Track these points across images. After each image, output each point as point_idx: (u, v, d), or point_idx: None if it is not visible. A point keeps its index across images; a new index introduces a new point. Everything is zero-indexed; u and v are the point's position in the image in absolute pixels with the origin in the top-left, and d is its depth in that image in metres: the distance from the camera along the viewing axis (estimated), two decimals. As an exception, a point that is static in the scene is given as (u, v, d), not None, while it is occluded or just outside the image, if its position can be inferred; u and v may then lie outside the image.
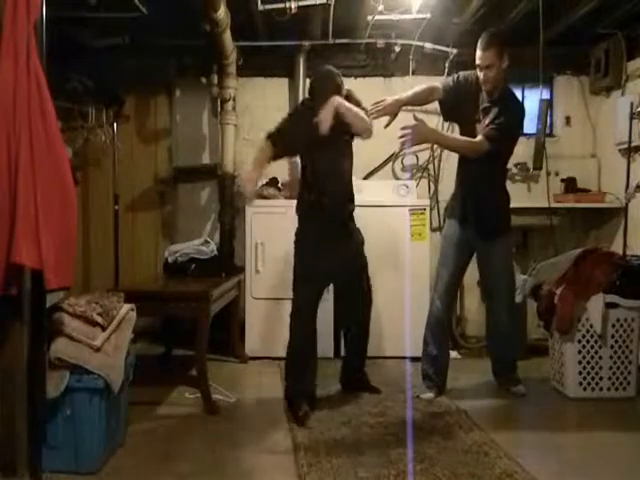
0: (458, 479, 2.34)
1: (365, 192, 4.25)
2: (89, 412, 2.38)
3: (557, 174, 4.69)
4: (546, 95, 4.74)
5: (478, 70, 3.21)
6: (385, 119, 3.26)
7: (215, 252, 4.20)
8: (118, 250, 4.44)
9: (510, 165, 4.08)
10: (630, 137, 3.98)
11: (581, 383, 3.35)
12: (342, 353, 3.64)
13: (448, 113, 3.52)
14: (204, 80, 4.71)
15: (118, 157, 4.49)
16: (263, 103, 4.76)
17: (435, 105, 3.57)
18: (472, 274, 3.63)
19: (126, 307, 2.72)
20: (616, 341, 3.34)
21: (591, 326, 3.32)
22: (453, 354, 4.01)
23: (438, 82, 3.48)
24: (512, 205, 3.46)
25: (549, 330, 3.57)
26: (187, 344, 3.59)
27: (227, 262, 4.37)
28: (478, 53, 3.17)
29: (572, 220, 4.69)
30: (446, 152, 4.43)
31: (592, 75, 4.62)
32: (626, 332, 3.35)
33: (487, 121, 3.19)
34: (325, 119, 3.01)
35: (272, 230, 4.09)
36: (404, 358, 4.03)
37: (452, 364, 3.54)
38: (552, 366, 3.59)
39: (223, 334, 4.06)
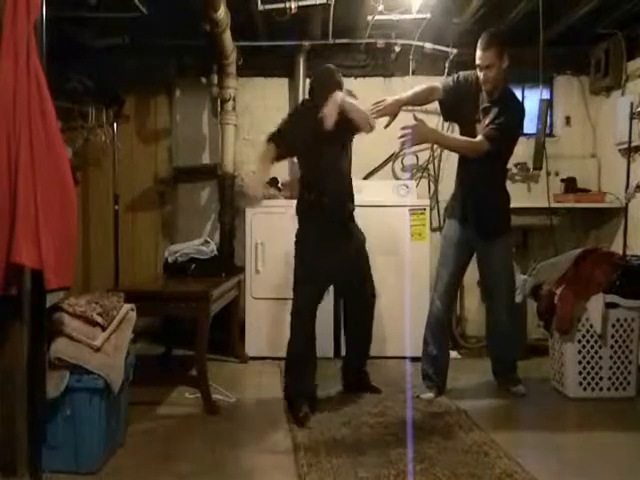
0: (458, 479, 2.34)
1: (365, 192, 4.25)
2: (89, 412, 2.38)
3: (557, 174, 4.69)
4: (546, 95, 4.74)
5: (478, 70, 3.21)
6: (385, 119, 3.26)
7: (215, 252, 4.20)
8: (118, 250, 4.44)
9: (510, 165, 4.08)
10: (630, 137, 3.98)
11: (581, 383, 3.35)
12: (343, 353, 3.64)
13: (448, 113, 3.52)
14: (204, 80, 4.71)
15: (118, 157, 4.50)
16: (263, 103, 4.76)
17: (435, 105, 3.57)
18: (472, 274, 3.63)
19: (126, 307, 2.72)
20: (616, 341, 3.34)
21: (591, 326, 3.32)
22: (453, 354, 4.02)
23: (438, 82, 3.48)
24: (512, 205, 3.45)
25: (549, 330, 3.57)
26: (187, 344, 3.59)
27: (227, 262, 4.37)
28: (478, 53, 3.18)
29: (572, 220, 4.69)
30: (446, 152, 4.43)
31: (592, 75, 4.62)
32: (626, 332, 3.35)
33: (487, 121, 3.19)
34: (330, 114, 3.01)
35: (272, 230, 4.09)
36: (404, 358, 4.03)
37: (452, 364, 3.54)
38: (552, 366, 3.59)
39: (223, 334, 4.06)
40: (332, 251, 3.12)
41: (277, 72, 4.75)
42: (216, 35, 3.93)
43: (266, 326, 4.15)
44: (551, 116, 4.85)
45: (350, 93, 3.23)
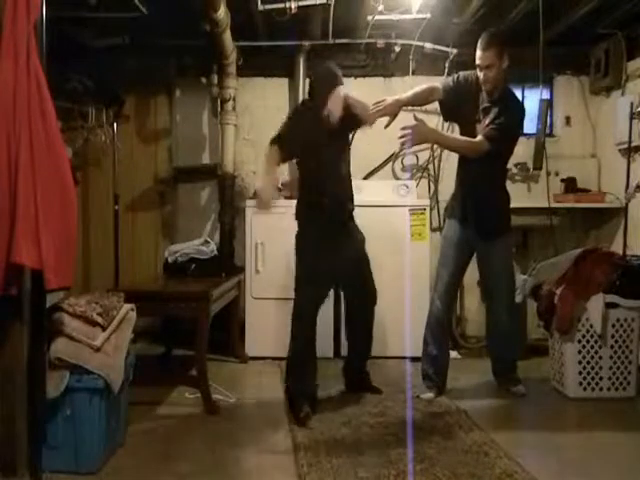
0: (458, 479, 2.34)
1: (365, 192, 4.25)
2: (89, 412, 2.38)
3: (557, 174, 4.69)
4: (546, 95, 4.74)
5: (478, 70, 3.21)
6: (385, 119, 3.26)
7: (215, 252, 4.20)
8: (118, 250, 4.43)
9: (510, 165, 4.09)
10: (630, 137, 3.98)
11: (581, 383, 3.35)
12: (343, 353, 3.64)
13: (448, 113, 3.52)
14: (204, 80, 4.71)
15: (118, 157, 4.50)
16: (263, 103, 4.76)
17: (435, 105, 3.58)
18: (472, 274, 3.63)
19: (126, 307, 2.72)
20: (616, 341, 3.34)
21: (591, 326, 3.32)
22: (453, 354, 4.02)
23: (438, 82, 3.48)
24: (512, 205, 3.46)
25: (549, 330, 3.57)
26: (187, 344, 3.59)
27: (227, 262, 4.37)
28: (478, 53, 3.18)
29: (572, 220, 4.69)
30: (446, 152, 4.43)
31: (592, 75, 4.62)
32: (626, 332, 3.35)
33: (487, 121, 3.20)
34: (335, 109, 3.01)
35: (272, 230, 4.09)
36: (404, 358, 4.03)
37: (452, 364, 3.54)
38: (552, 366, 3.59)
39: (223, 334, 4.06)
40: (332, 251, 3.12)
41: (277, 72, 4.75)
42: (216, 35, 3.93)
43: (266, 326, 4.14)
44: (551, 116, 4.85)
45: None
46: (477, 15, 3.94)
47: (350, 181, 3.30)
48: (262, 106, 4.76)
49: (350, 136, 3.27)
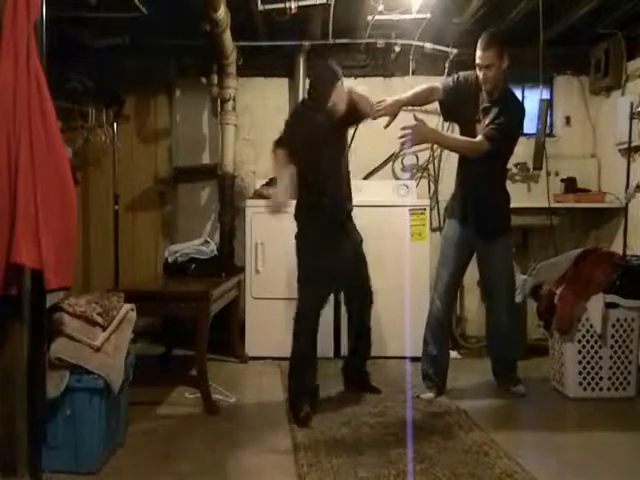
0: (458, 479, 2.34)
1: (365, 192, 4.26)
2: (89, 412, 2.38)
3: (557, 174, 4.68)
4: (546, 95, 4.74)
5: (478, 70, 3.21)
6: (385, 119, 3.26)
7: (215, 252, 4.20)
8: (118, 250, 4.44)
9: (510, 165, 4.08)
10: (630, 137, 3.98)
11: (581, 383, 3.35)
12: (343, 353, 3.64)
13: (448, 113, 3.52)
14: (204, 80, 4.71)
15: (118, 157, 4.50)
16: (263, 103, 4.76)
17: (435, 105, 3.57)
18: (472, 274, 3.63)
19: (126, 307, 2.72)
20: (616, 341, 3.34)
21: (591, 326, 3.32)
22: (453, 354, 4.01)
23: (438, 82, 3.48)
24: (512, 205, 3.46)
25: (549, 330, 3.57)
26: (187, 344, 3.59)
27: (227, 262, 4.37)
28: (478, 53, 3.17)
29: (572, 220, 4.69)
30: (446, 152, 4.43)
31: (592, 75, 4.62)
32: (626, 332, 3.35)
33: (487, 121, 3.20)
34: (340, 101, 3.02)
35: (272, 230, 4.09)
36: (404, 358, 4.03)
37: (452, 364, 3.54)
38: (552, 366, 3.59)
39: (223, 334, 4.06)
40: (332, 252, 3.12)
41: (277, 72, 4.75)
42: (216, 35, 3.93)
43: (266, 326, 4.14)
44: (551, 116, 4.85)
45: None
46: (477, 15, 3.94)
47: (349, 181, 3.30)
48: (262, 106, 4.76)
49: (350, 135, 3.26)
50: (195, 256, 4.08)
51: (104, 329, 2.53)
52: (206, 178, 4.77)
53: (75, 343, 2.42)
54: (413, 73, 4.64)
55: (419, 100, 3.40)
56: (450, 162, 4.27)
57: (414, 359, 3.88)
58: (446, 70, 4.53)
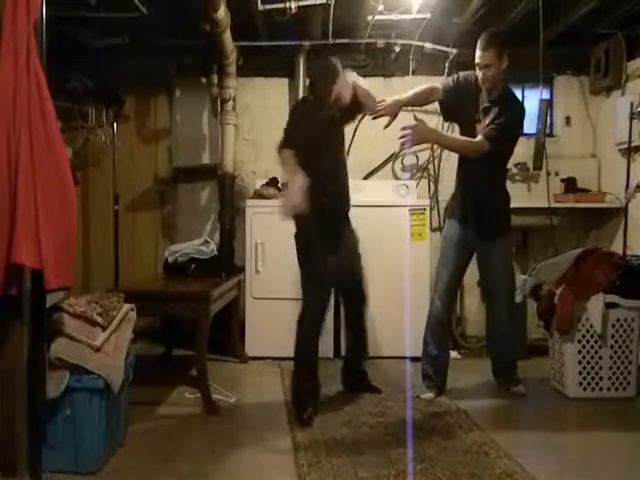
0: (458, 479, 2.34)
1: (365, 192, 4.26)
2: (89, 412, 2.38)
3: (557, 174, 4.68)
4: (546, 95, 4.74)
5: (477, 69, 3.21)
6: (385, 119, 3.26)
7: (215, 252, 4.20)
8: (118, 250, 4.43)
9: (510, 165, 4.08)
10: (630, 137, 3.98)
11: (581, 383, 3.35)
12: (343, 353, 3.64)
13: (448, 113, 3.52)
14: (204, 80, 4.71)
15: (118, 157, 4.50)
16: (263, 103, 4.76)
17: (435, 105, 3.57)
18: (472, 274, 3.63)
19: (126, 307, 2.72)
20: (616, 341, 3.34)
21: (591, 326, 3.32)
22: (453, 354, 4.01)
23: (438, 82, 3.48)
24: (512, 205, 3.45)
25: (549, 330, 3.57)
26: (187, 344, 3.59)
27: (227, 262, 4.37)
28: (477, 52, 3.18)
29: (572, 220, 4.69)
30: (446, 152, 4.43)
31: (592, 75, 4.62)
32: (626, 332, 3.35)
33: (487, 121, 3.20)
34: (345, 90, 3.02)
35: (272, 230, 4.08)
36: (404, 358, 4.03)
37: (452, 364, 3.54)
38: (552, 366, 3.59)
39: (223, 334, 4.06)
40: (334, 252, 3.12)
41: (277, 72, 4.75)
42: (216, 35, 3.93)
43: (266, 326, 4.14)
44: (551, 116, 4.85)
45: None
46: (477, 15, 3.94)
47: (348, 180, 3.29)
48: (262, 106, 4.76)
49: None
50: (195, 256, 4.08)
51: (104, 329, 2.53)
52: (206, 178, 4.77)
53: (75, 343, 2.42)
54: (413, 73, 4.64)
55: (419, 100, 3.41)
56: (450, 162, 4.27)
57: (414, 359, 3.88)
58: (446, 70, 4.53)
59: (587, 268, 3.39)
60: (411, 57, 4.59)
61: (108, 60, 4.39)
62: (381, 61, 4.72)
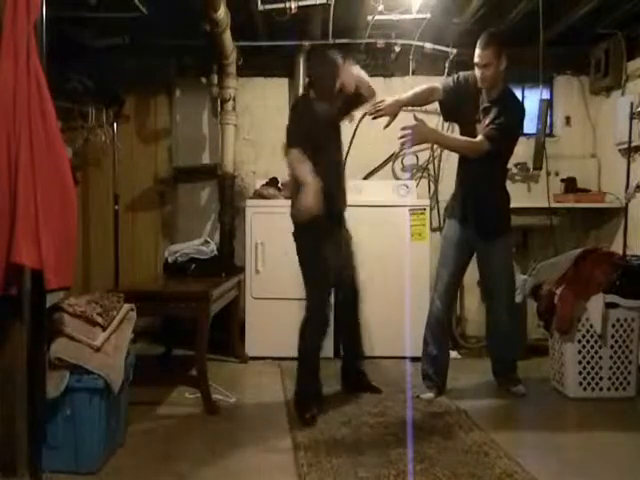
0: (458, 479, 2.34)
1: (365, 192, 4.26)
2: (89, 412, 2.38)
3: (557, 174, 4.68)
4: (546, 95, 4.74)
5: (476, 68, 3.21)
6: (385, 119, 3.26)
7: (215, 252, 4.20)
8: (118, 250, 4.43)
9: (510, 165, 4.08)
10: (630, 137, 3.98)
11: (581, 383, 3.35)
12: (342, 353, 3.64)
13: (448, 113, 3.52)
14: (204, 80, 4.71)
15: (118, 157, 4.49)
16: (263, 103, 4.76)
17: (435, 105, 3.57)
18: (472, 274, 3.63)
19: (126, 307, 2.72)
20: (616, 341, 3.34)
21: (591, 326, 3.32)
22: (453, 354, 4.01)
23: (438, 82, 3.48)
24: (512, 205, 3.45)
25: (549, 330, 3.57)
26: (187, 344, 3.59)
27: (227, 262, 4.37)
28: (476, 51, 3.18)
29: (572, 220, 4.69)
30: (446, 152, 4.43)
31: (592, 75, 4.62)
32: (626, 332, 3.35)
33: (487, 121, 3.20)
34: (349, 78, 3.01)
35: (272, 230, 4.09)
36: (404, 358, 4.03)
37: (452, 364, 3.54)
38: (552, 366, 3.59)
39: (223, 334, 4.06)
40: (333, 250, 3.12)
41: (277, 72, 4.75)
42: (216, 35, 3.93)
43: (266, 326, 4.14)
44: (551, 116, 4.85)
45: None
46: (477, 15, 3.94)
47: (344, 180, 3.29)
48: (262, 106, 4.76)
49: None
50: (195, 256, 4.08)
51: (104, 329, 2.53)
52: (206, 178, 4.77)
53: (75, 343, 2.42)
54: (413, 73, 4.64)
55: (419, 100, 3.40)
56: (450, 162, 4.27)
57: (414, 359, 3.88)
58: (446, 70, 4.53)
59: (587, 268, 3.39)
60: (411, 57, 4.59)
61: (108, 60, 4.39)
62: (381, 61, 4.72)
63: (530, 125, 4.44)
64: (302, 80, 4.54)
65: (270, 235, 4.13)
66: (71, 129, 4.48)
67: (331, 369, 3.59)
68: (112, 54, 4.38)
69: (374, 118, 3.31)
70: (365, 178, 4.69)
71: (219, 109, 4.60)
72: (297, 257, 3.15)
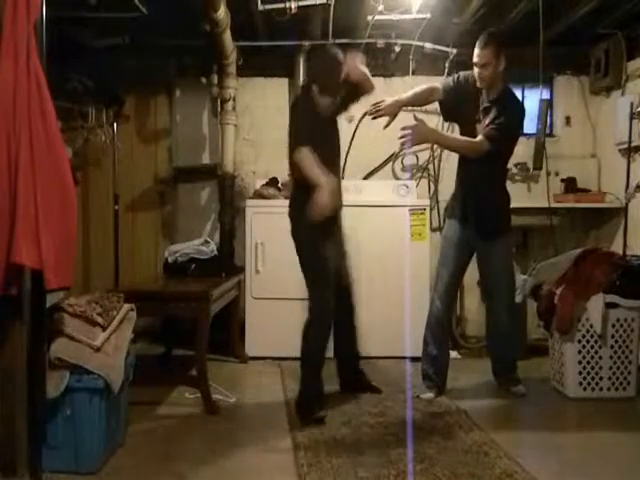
0: (458, 479, 2.34)
1: (365, 192, 4.26)
2: (89, 412, 2.38)
3: (557, 174, 4.68)
4: (546, 95, 4.74)
5: (474, 68, 3.21)
6: (385, 119, 3.26)
7: (215, 252, 4.20)
8: (118, 250, 4.43)
9: (510, 165, 4.08)
10: (630, 137, 3.98)
11: (581, 383, 3.35)
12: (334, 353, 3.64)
13: (448, 113, 3.52)
14: (204, 80, 4.71)
15: (118, 157, 4.50)
16: (263, 103, 4.76)
17: (435, 105, 3.58)
18: (472, 274, 3.63)
19: (126, 307, 2.72)
20: (616, 341, 3.34)
21: (591, 326, 3.32)
22: (453, 354, 4.01)
23: (438, 82, 3.48)
24: (512, 205, 3.46)
25: (549, 330, 3.57)
26: (187, 344, 3.59)
27: (227, 262, 4.37)
28: (475, 51, 3.18)
29: (572, 220, 4.69)
30: (446, 152, 4.43)
31: (592, 75, 4.63)
32: (626, 332, 3.35)
33: (487, 121, 3.20)
34: (354, 68, 3.00)
35: (272, 230, 4.08)
36: (404, 358, 4.02)
37: (452, 364, 3.54)
38: (552, 366, 3.59)
39: (223, 334, 4.06)
40: (332, 249, 3.12)
41: (277, 72, 4.75)
42: (216, 35, 3.93)
43: (266, 326, 4.14)
44: (551, 116, 4.85)
45: None
46: (477, 15, 3.94)
47: (341, 177, 3.29)
48: (262, 106, 4.76)
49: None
50: (195, 256, 4.08)
51: (104, 329, 2.53)
52: (206, 178, 4.77)
53: (75, 343, 2.42)
54: (413, 73, 4.64)
55: (419, 100, 3.41)
56: (450, 162, 4.27)
57: (414, 359, 3.88)
58: (446, 70, 4.53)
59: (587, 268, 3.39)
60: (411, 57, 4.59)
61: (108, 60, 4.39)
62: (381, 61, 4.72)
63: (530, 125, 4.44)
64: (302, 80, 4.53)
65: (270, 235, 4.13)
66: (71, 129, 4.48)
67: (331, 369, 3.59)
68: (112, 54, 4.38)
69: (374, 118, 3.31)
70: (365, 178, 4.69)
71: (219, 109, 4.60)
72: (297, 258, 3.13)
